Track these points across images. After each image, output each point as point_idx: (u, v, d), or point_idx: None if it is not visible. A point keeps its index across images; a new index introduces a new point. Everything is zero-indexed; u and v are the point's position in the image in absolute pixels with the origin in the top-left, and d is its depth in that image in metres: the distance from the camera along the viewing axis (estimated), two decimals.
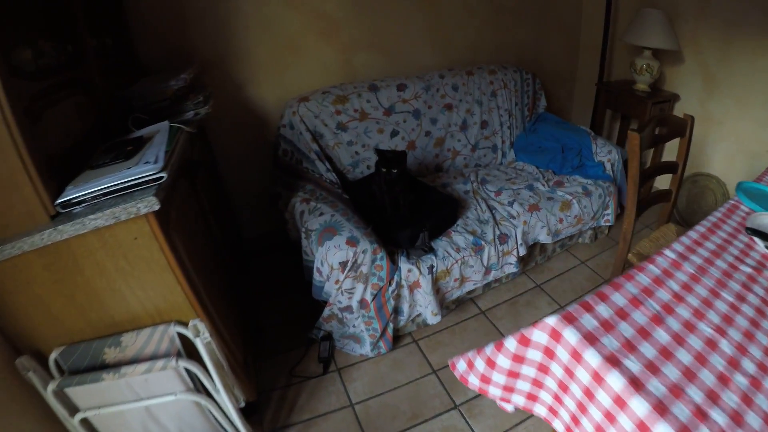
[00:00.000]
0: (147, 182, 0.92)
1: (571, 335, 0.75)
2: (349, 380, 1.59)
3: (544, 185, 2.01)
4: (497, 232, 1.73)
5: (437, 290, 1.63)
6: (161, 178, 0.93)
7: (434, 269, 1.57)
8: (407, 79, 2.11)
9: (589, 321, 0.78)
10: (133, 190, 0.91)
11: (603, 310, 0.81)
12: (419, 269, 1.54)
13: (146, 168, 0.93)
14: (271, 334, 1.83)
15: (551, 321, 0.77)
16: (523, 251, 1.78)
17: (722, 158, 2.38)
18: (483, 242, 1.67)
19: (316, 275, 1.50)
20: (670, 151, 2.47)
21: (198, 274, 1.12)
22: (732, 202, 1.29)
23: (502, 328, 1.83)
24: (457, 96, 2.21)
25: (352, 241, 1.42)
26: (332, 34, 2.08)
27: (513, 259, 1.77)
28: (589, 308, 0.81)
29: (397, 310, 1.61)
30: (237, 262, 1.91)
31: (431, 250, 1.60)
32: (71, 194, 0.88)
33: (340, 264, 1.42)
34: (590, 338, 0.75)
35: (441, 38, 2.37)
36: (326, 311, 1.59)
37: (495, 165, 2.37)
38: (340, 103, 1.95)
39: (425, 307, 1.60)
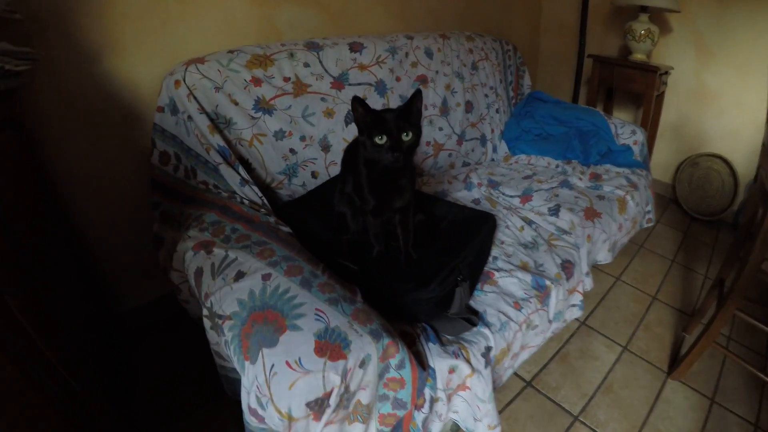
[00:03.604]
0: None
1: None
2: None
3: (580, 180, 1.40)
4: (557, 260, 1.04)
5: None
6: None
7: (492, 352, 0.81)
8: (362, 38, 1.37)
9: None
10: None
11: None
12: (469, 361, 0.76)
13: None
14: None
15: None
16: (589, 284, 1.12)
17: (725, 134, 2.07)
18: (547, 282, 0.97)
19: (250, 420, 0.63)
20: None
21: None
22: None
23: (568, 404, 1.15)
24: (432, 66, 1.52)
25: (333, 346, 0.60)
26: None
27: (578, 298, 1.09)
28: None
29: None
30: (103, 363, 0.94)
31: (476, 316, 0.83)
32: None
33: (310, 406, 0.58)
34: None
35: None
36: None
37: (487, 162, 1.72)
38: (259, 66, 1.12)
39: (478, 419, 0.82)
